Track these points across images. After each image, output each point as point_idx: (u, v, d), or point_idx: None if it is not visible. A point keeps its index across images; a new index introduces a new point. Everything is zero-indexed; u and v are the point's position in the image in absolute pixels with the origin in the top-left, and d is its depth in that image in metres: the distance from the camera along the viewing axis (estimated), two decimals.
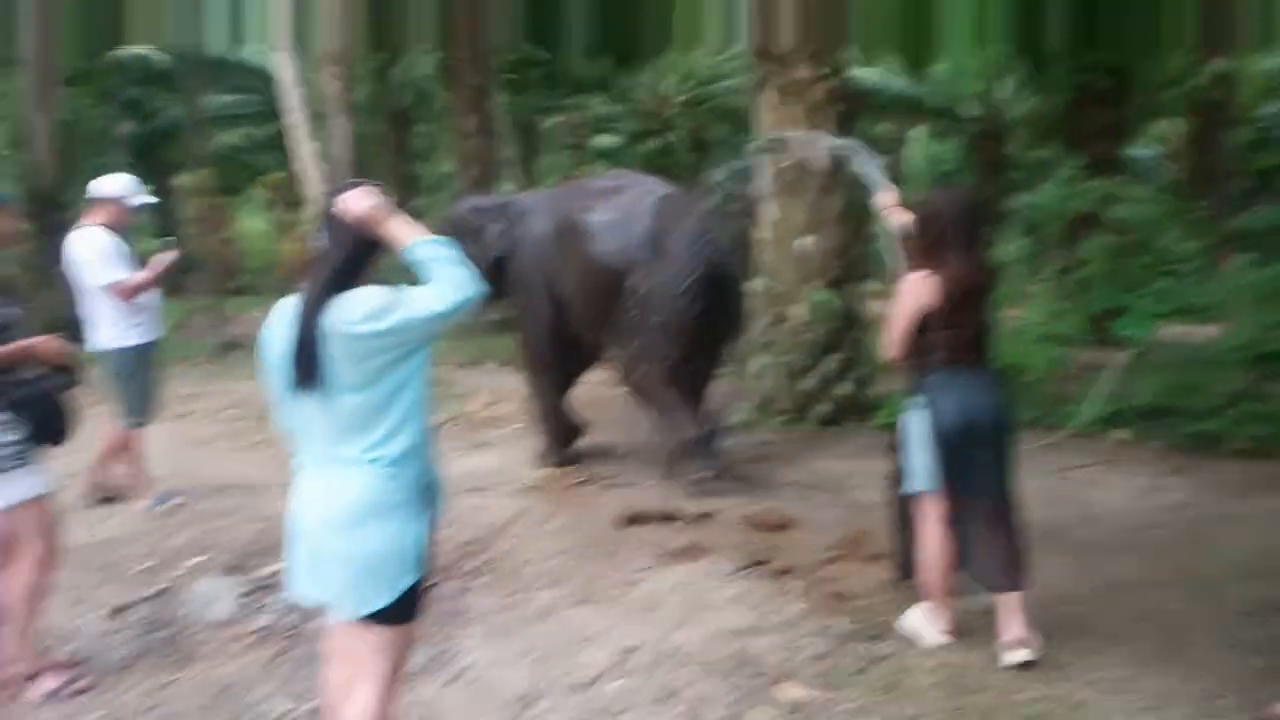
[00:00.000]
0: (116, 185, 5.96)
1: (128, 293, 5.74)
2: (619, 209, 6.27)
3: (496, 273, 6.59)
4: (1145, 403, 7.69)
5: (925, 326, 3.94)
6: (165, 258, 6.01)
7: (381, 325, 2.61)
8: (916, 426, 4.04)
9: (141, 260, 6.05)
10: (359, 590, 2.71)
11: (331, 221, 2.75)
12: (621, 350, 6.39)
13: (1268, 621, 4.31)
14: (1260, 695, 3.67)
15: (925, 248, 3.96)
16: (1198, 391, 7.51)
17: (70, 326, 5.25)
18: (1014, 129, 21.27)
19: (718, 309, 6.20)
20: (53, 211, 12.42)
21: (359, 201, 2.71)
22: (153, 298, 6.03)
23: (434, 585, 2.95)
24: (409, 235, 2.71)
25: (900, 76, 20.20)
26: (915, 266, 3.98)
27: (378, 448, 2.70)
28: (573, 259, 6.33)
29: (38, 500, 3.76)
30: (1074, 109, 14.09)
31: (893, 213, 4.44)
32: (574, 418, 7.26)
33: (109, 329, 5.77)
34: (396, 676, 2.89)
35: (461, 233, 6.72)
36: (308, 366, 2.64)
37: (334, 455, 2.72)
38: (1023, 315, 8.32)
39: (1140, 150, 26.09)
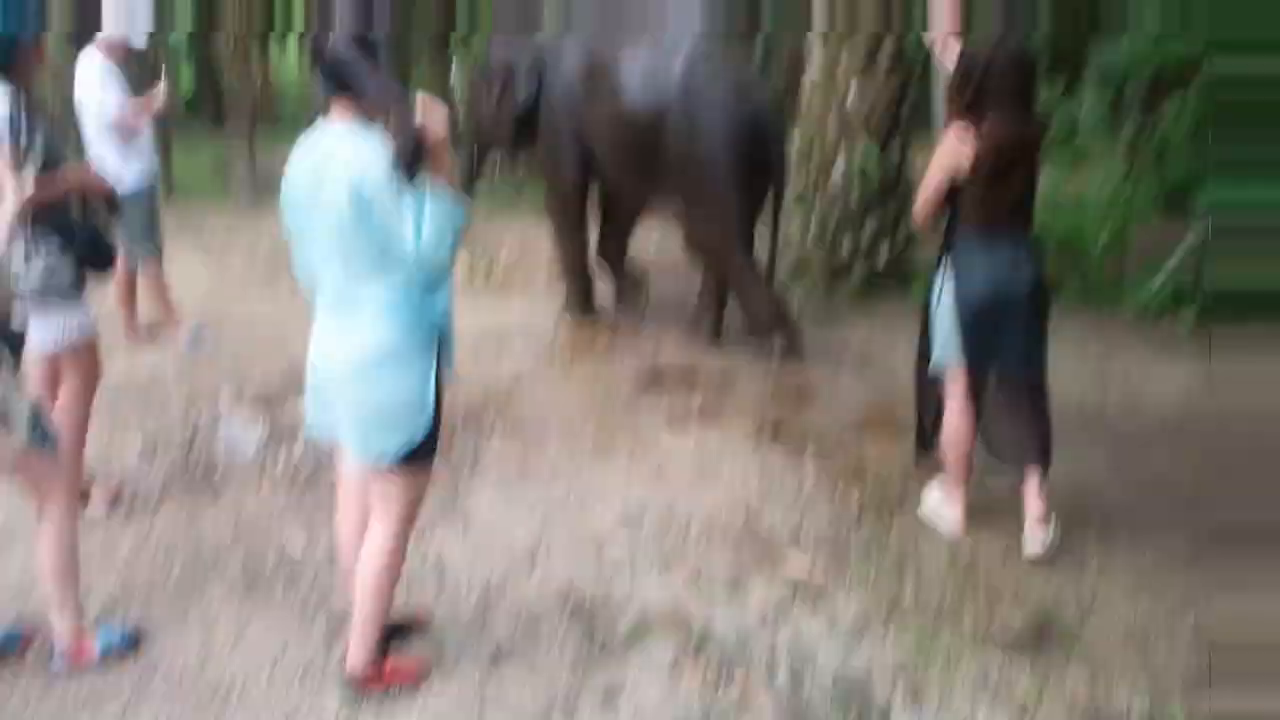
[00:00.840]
0: (117, 23, 5.78)
1: (124, 124, 5.68)
2: (651, 58, 5.94)
3: (523, 119, 6.49)
4: (1212, 286, 7.29)
5: (959, 188, 3.70)
6: (158, 92, 5.93)
7: (365, 200, 2.56)
8: (943, 296, 3.86)
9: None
10: (372, 434, 2.76)
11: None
12: (670, 204, 6.20)
13: None
14: None
15: (965, 102, 3.66)
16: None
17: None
18: None
19: (758, 159, 5.90)
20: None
21: (437, 115, 2.60)
22: (146, 134, 5.98)
23: (448, 433, 2.93)
24: (441, 172, 2.62)
25: None
26: (953, 121, 3.71)
27: (389, 292, 2.68)
28: (603, 105, 6.07)
29: (86, 339, 3.79)
30: None
31: (947, 51, 3.97)
32: (630, 268, 7.15)
33: (111, 168, 5.69)
34: (409, 520, 2.95)
35: (492, 75, 6.63)
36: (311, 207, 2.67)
37: (348, 298, 2.72)
38: (1088, 182, 7.86)
39: None
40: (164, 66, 13.30)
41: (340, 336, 2.74)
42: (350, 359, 2.71)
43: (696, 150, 5.73)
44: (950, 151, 3.67)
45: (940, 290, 3.87)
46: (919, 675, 3.20)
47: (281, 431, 4.87)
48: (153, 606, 3.52)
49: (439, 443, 2.89)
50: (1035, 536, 3.80)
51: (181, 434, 4.90)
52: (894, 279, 7.73)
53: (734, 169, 5.77)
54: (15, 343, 3.02)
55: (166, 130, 13.27)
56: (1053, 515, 3.84)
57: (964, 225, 3.75)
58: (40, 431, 3.00)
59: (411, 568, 3.63)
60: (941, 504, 4.09)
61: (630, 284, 7.10)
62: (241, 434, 4.86)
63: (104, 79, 5.62)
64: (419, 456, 2.82)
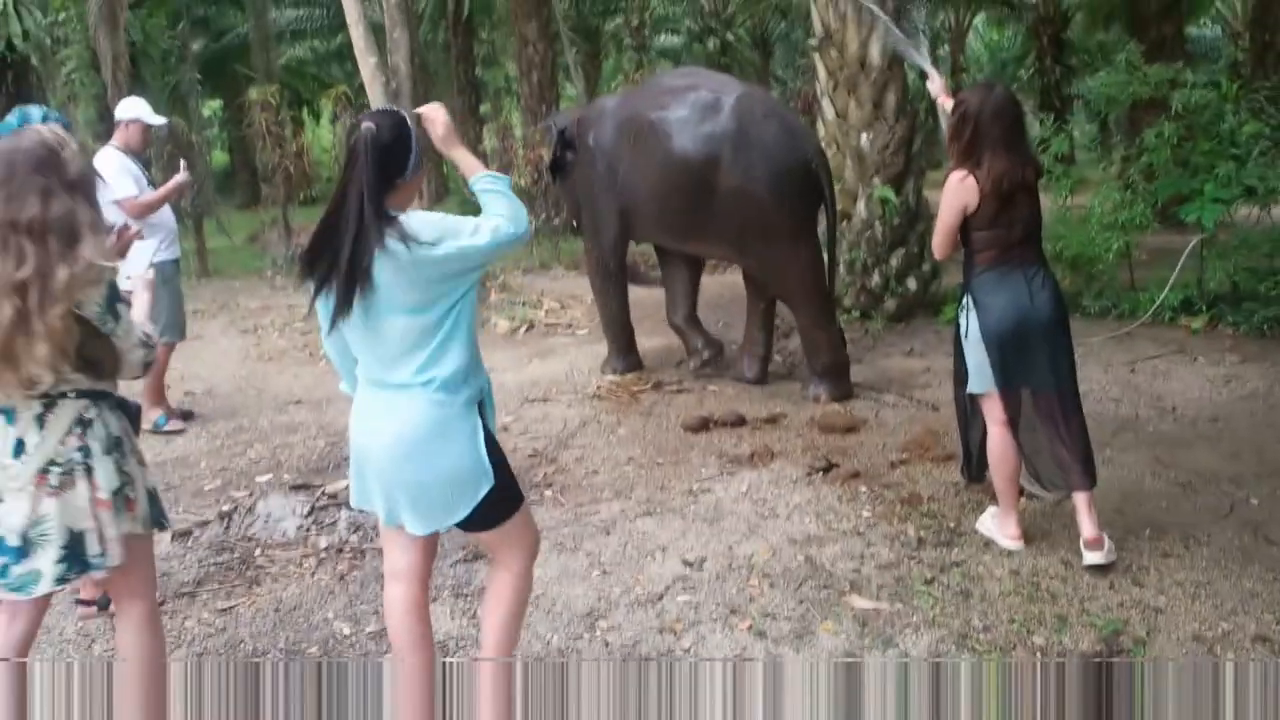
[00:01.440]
0: (131, 107, 5.85)
1: (137, 210, 5.54)
2: (697, 105, 5.81)
3: (565, 178, 6.45)
4: (1216, 289, 7.27)
5: (969, 226, 3.75)
6: (178, 178, 5.86)
7: (442, 251, 2.45)
8: (969, 328, 3.83)
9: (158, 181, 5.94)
10: (435, 508, 2.59)
11: (356, 140, 2.49)
12: (724, 253, 6.08)
13: None
14: None
15: (962, 148, 3.74)
16: (1270, 276, 7.06)
17: None
18: (1073, 14, 20.31)
19: (815, 200, 5.86)
20: None
21: (442, 118, 2.66)
22: (167, 217, 5.89)
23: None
24: (474, 165, 2.69)
25: None
26: (955, 167, 3.77)
27: (430, 369, 2.53)
28: (649, 158, 5.90)
29: None
30: None
31: (947, 102, 4.17)
32: (705, 330, 6.83)
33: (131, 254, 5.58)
34: (530, 559, 2.82)
35: (552, 141, 6.60)
36: (351, 293, 2.45)
37: (387, 378, 2.56)
38: (1089, 203, 7.84)
39: (1201, 31, 24.93)
40: (192, 149, 13.35)
41: (388, 419, 2.56)
42: (402, 441, 2.53)
43: (759, 195, 5.58)
44: (955, 191, 3.72)
45: (966, 323, 3.84)
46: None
47: (323, 508, 4.60)
48: None
49: (516, 484, 2.71)
50: (1091, 557, 3.65)
51: (217, 515, 4.58)
52: (924, 308, 7.82)
53: (799, 211, 5.73)
54: (134, 414, 2.84)
55: (199, 211, 13.32)
56: (1104, 535, 3.67)
57: (979, 259, 3.80)
58: (159, 512, 2.79)
59: (469, 638, 3.43)
60: (997, 527, 3.94)
61: (708, 345, 6.65)
62: (281, 512, 4.56)
63: (117, 172, 5.54)
64: (499, 508, 2.65)
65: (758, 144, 5.61)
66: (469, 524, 2.63)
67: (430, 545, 2.76)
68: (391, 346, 2.52)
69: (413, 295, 2.47)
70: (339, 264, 2.45)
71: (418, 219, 2.48)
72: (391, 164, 2.50)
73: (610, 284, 6.63)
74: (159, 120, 5.99)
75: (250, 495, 4.80)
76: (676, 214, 5.89)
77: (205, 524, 4.46)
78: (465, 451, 2.57)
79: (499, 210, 2.58)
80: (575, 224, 7.19)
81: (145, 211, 5.63)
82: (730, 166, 5.59)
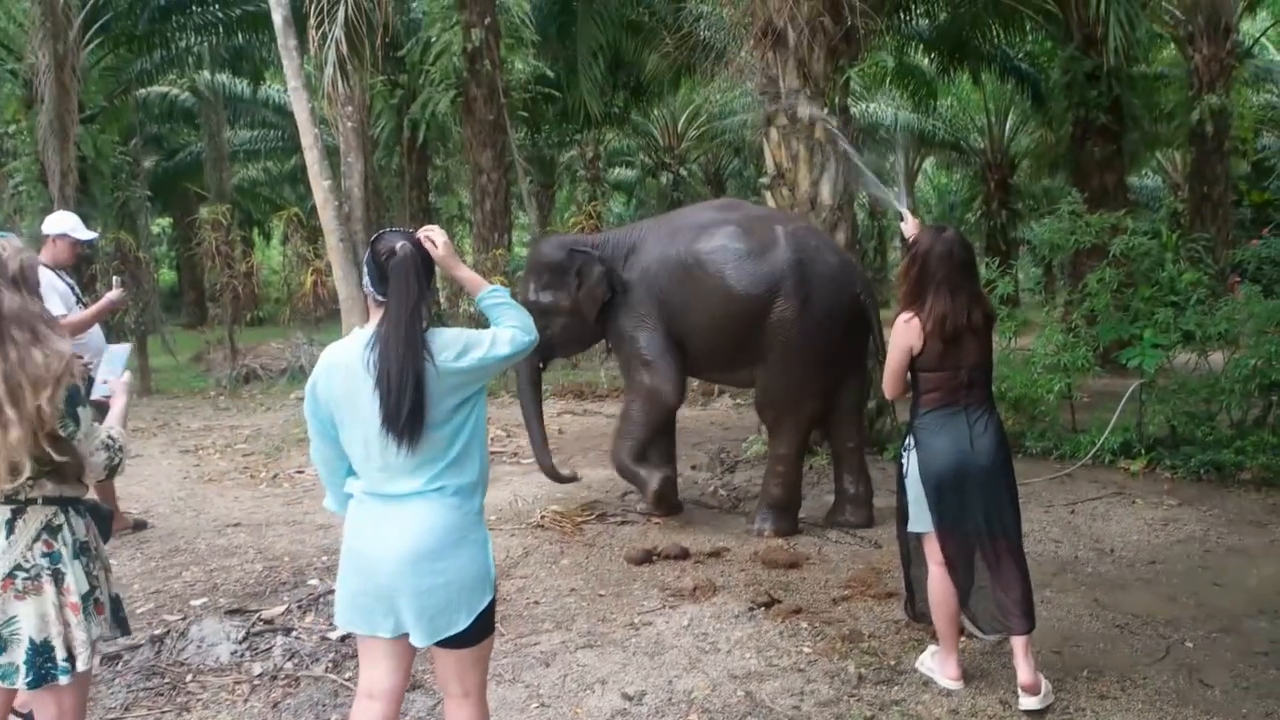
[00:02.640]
0: (59, 222, 5.86)
1: (63, 330, 5.53)
2: (750, 238, 5.92)
3: (602, 313, 6.26)
4: (1155, 433, 7.55)
5: (915, 366, 3.86)
6: (109, 296, 5.82)
7: (466, 363, 2.66)
8: (909, 467, 3.93)
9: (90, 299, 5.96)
10: (440, 618, 2.66)
11: (402, 259, 2.68)
12: (764, 383, 6.05)
13: None
14: None
15: (909, 288, 3.87)
16: (1207, 421, 7.36)
17: None
18: (1019, 160, 21.30)
19: (864, 337, 6.09)
20: None
21: (442, 238, 2.82)
22: (96, 337, 5.82)
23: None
24: (478, 281, 2.90)
25: (907, 110, 20.26)
26: (902, 308, 3.89)
27: (446, 478, 2.68)
28: (702, 291, 5.92)
29: None
30: (1076, 142, 14.09)
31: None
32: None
33: None
34: (484, 687, 2.89)
35: (553, 272, 6.38)
36: (415, 408, 2.59)
37: (395, 489, 2.67)
38: (1032, 345, 8.17)
39: (1143, 181, 26.18)
40: (139, 266, 13.42)
41: (391, 523, 2.66)
42: (409, 545, 2.62)
43: (816, 327, 5.77)
44: (901, 332, 3.82)
45: (907, 462, 3.95)
46: None
47: (258, 634, 4.58)
48: None
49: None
50: (1027, 702, 3.72)
51: (148, 639, 4.52)
52: (869, 445, 7.92)
53: (844, 344, 5.96)
54: (106, 518, 2.90)
55: (143, 329, 13.34)
56: (1041, 678, 3.76)
57: (923, 400, 3.88)
58: (121, 619, 2.84)
59: None
60: (938, 666, 4.01)
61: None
62: (215, 637, 4.51)
63: (44, 290, 5.57)
64: (489, 624, 2.77)
65: (815, 276, 5.81)
66: (460, 638, 2.69)
67: (409, 668, 2.85)
68: (410, 458, 2.63)
69: (438, 409, 2.62)
70: (389, 379, 2.58)
71: (443, 335, 2.68)
72: (428, 280, 2.73)
73: (658, 420, 6.32)
74: (88, 235, 5.96)
75: (184, 619, 4.78)
76: (730, 347, 5.98)
77: (136, 647, 4.42)
78: (476, 558, 2.69)
79: (512, 321, 2.79)
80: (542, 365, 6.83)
81: (73, 332, 5.47)
82: (788, 297, 5.74)
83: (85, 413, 2.65)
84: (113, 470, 2.74)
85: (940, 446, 3.82)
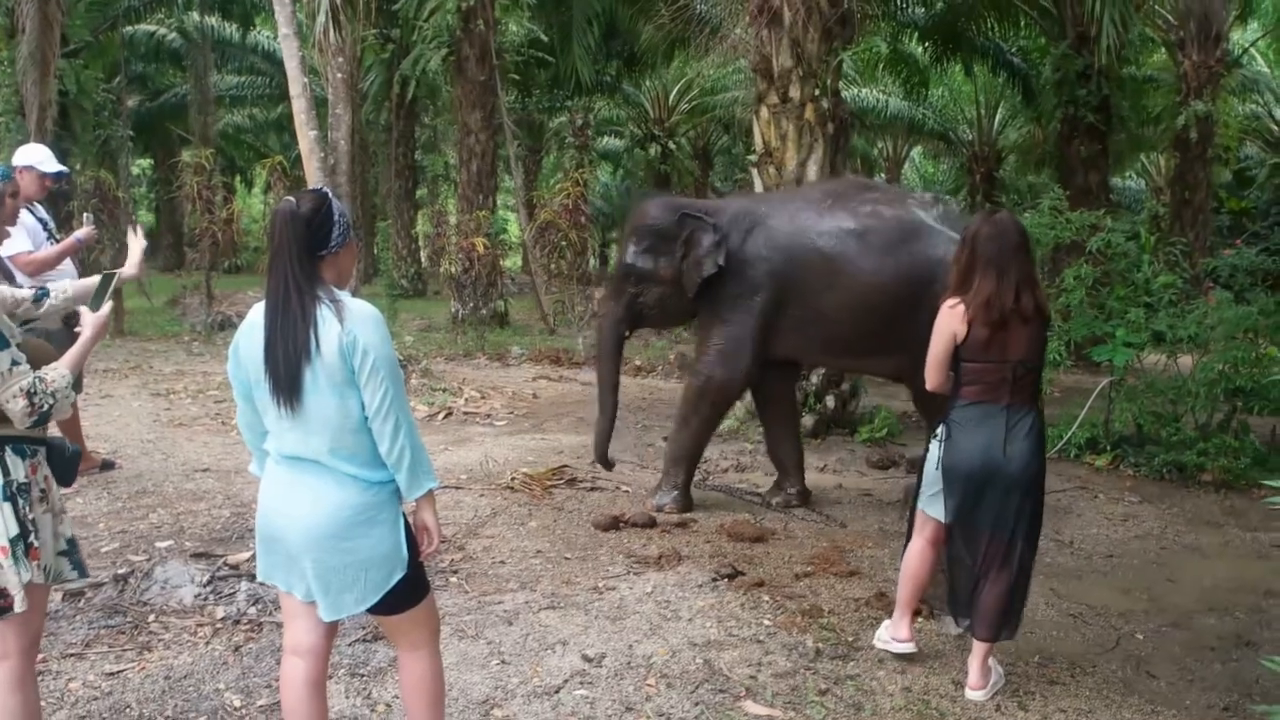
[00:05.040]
0: (25, 154, 5.75)
1: (30, 267, 5.45)
2: (899, 219, 5.58)
3: (705, 286, 5.80)
4: (1121, 430, 7.66)
5: (959, 356, 3.69)
6: (77, 234, 5.76)
7: (355, 361, 2.53)
8: (937, 458, 3.81)
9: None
10: (347, 595, 2.63)
11: (275, 213, 2.61)
12: (886, 367, 5.83)
13: (1230, 658, 4.23)
14: None
15: (958, 273, 3.70)
16: (1173, 422, 7.47)
17: None
18: (1006, 154, 21.38)
19: None
20: None
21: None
22: (66, 272, 5.72)
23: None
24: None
25: (897, 98, 20.30)
26: (950, 294, 3.73)
27: (349, 452, 2.59)
28: (845, 273, 5.55)
29: None
30: (1062, 139, 14.17)
31: None
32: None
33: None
34: (436, 641, 2.89)
35: (658, 236, 5.95)
36: (290, 371, 2.52)
37: (309, 457, 2.61)
38: None
39: (1126, 183, 26.34)
40: (118, 206, 13.28)
41: (299, 496, 2.61)
42: (316, 522, 2.57)
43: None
44: (944, 318, 3.68)
45: (935, 452, 3.82)
46: None
47: (223, 578, 4.57)
48: None
49: (424, 573, 2.80)
50: (973, 695, 3.76)
51: (112, 578, 4.51)
52: (841, 426, 8.04)
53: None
54: (69, 460, 2.84)
55: (119, 270, 13.25)
56: (992, 664, 3.83)
57: (963, 391, 3.72)
58: (77, 561, 2.82)
59: (361, 717, 3.47)
60: (889, 629, 4.06)
61: (799, 490, 6.27)
62: (179, 579, 4.50)
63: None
64: (408, 595, 2.71)
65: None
66: (375, 608, 2.69)
67: (334, 623, 2.79)
68: (314, 423, 2.56)
69: (320, 379, 2.52)
70: (274, 338, 2.52)
71: (349, 310, 2.55)
72: (314, 236, 2.57)
73: (715, 412, 6.14)
74: (55, 168, 5.80)
75: (149, 560, 4.77)
76: (871, 334, 5.61)
77: (99, 586, 4.42)
78: (386, 538, 2.62)
79: (406, 452, 2.61)
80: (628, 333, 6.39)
81: (40, 268, 5.50)
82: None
83: (5, 358, 2.56)
84: (42, 418, 2.61)
85: (971, 446, 3.67)
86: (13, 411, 2.57)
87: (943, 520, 3.82)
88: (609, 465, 6.31)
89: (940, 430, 3.83)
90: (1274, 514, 5.96)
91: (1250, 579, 5.20)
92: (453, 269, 13.98)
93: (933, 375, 3.79)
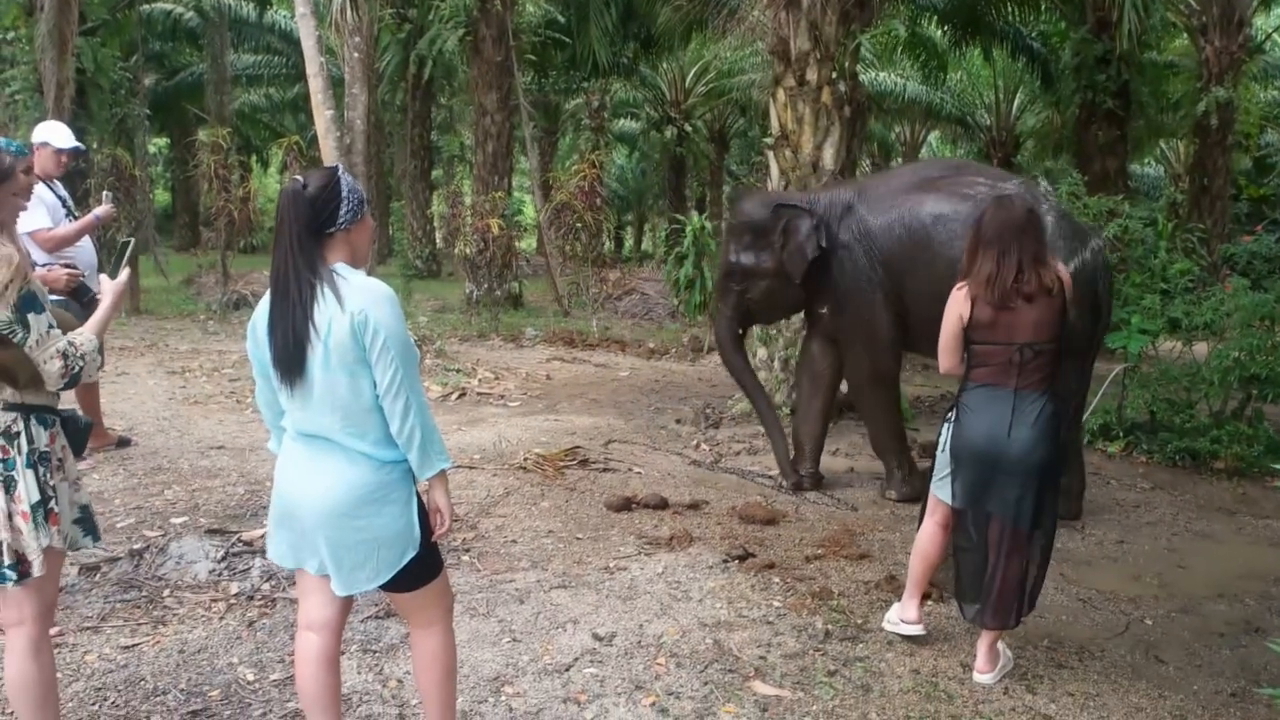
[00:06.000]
0: (42, 131, 5.77)
1: (50, 244, 5.50)
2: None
3: (811, 277, 5.83)
4: (1135, 417, 7.64)
5: (968, 338, 3.72)
6: (97, 211, 5.80)
7: (366, 339, 2.54)
8: (945, 439, 3.83)
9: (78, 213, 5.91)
10: (359, 572, 2.66)
11: (282, 194, 2.62)
12: None
13: (1238, 644, 4.23)
14: None
15: (966, 257, 3.73)
16: (1186, 409, 7.45)
17: None
18: (1024, 139, 21.27)
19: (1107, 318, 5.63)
20: None
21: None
22: (86, 250, 5.80)
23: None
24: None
25: (915, 82, 20.19)
26: (960, 278, 3.75)
27: (360, 430, 2.61)
28: (941, 258, 5.37)
29: None
30: (1081, 124, 14.09)
31: None
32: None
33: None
34: (449, 619, 2.92)
35: (755, 232, 6.01)
36: (296, 349, 2.54)
37: (322, 435, 2.62)
38: None
39: (1145, 169, 26.18)
40: (135, 184, 13.33)
41: (314, 473, 2.62)
42: (329, 499, 2.59)
43: (1096, 308, 5.30)
44: (953, 301, 3.71)
45: (944, 434, 3.85)
46: None
47: (237, 554, 4.63)
48: None
49: (438, 552, 2.82)
50: (980, 678, 3.78)
51: (127, 553, 4.56)
52: (854, 410, 8.01)
53: (1094, 325, 5.41)
54: (83, 430, 2.90)
55: (136, 248, 13.31)
56: (1000, 647, 3.85)
57: (971, 373, 3.75)
58: (91, 527, 2.87)
59: (373, 693, 3.50)
60: (898, 611, 4.09)
61: (812, 472, 6.30)
62: (194, 554, 4.55)
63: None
64: (421, 574, 2.74)
65: (1093, 249, 5.35)
66: (388, 585, 2.71)
67: (348, 599, 2.82)
68: (325, 401, 2.57)
69: (327, 357, 2.53)
70: (276, 318, 2.55)
71: (352, 285, 2.56)
72: (319, 215, 2.57)
73: (889, 394, 6.04)
74: (69, 144, 5.79)
75: (164, 535, 4.83)
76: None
77: (115, 560, 4.48)
78: (399, 517, 2.64)
79: (418, 431, 2.61)
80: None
81: (58, 245, 5.54)
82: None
83: (38, 319, 2.62)
84: (73, 380, 2.68)
85: (975, 427, 3.69)
86: (49, 373, 2.64)
87: (950, 504, 3.84)
88: (802, 484, 6.22)
89: (950, 413, 3.85)
90: None
91: (1261, 566, 5.19)
92: (468, 250, 14.00)
93: (944, 358, 3.80)
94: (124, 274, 3.16)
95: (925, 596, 4.16)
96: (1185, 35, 16.79)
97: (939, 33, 16.84)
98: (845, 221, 5.81)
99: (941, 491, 3.89)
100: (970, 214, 5.16)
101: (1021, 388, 3.65)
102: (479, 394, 8.83)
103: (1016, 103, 20.73)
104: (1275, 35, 19.15)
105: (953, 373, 3.84)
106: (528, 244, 23.06)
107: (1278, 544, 5.62)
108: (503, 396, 8.80)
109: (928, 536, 3.99)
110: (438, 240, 22.45)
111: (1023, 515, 3.68)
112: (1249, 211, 18.25)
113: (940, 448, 3.89)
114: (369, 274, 2.72)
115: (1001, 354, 3.65)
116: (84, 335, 2.76)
